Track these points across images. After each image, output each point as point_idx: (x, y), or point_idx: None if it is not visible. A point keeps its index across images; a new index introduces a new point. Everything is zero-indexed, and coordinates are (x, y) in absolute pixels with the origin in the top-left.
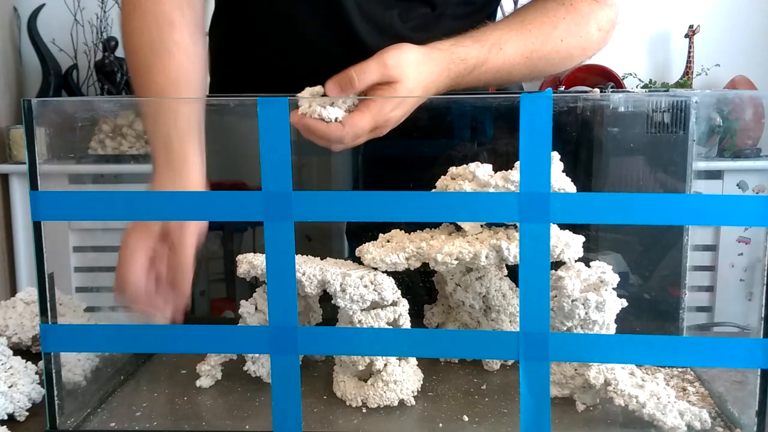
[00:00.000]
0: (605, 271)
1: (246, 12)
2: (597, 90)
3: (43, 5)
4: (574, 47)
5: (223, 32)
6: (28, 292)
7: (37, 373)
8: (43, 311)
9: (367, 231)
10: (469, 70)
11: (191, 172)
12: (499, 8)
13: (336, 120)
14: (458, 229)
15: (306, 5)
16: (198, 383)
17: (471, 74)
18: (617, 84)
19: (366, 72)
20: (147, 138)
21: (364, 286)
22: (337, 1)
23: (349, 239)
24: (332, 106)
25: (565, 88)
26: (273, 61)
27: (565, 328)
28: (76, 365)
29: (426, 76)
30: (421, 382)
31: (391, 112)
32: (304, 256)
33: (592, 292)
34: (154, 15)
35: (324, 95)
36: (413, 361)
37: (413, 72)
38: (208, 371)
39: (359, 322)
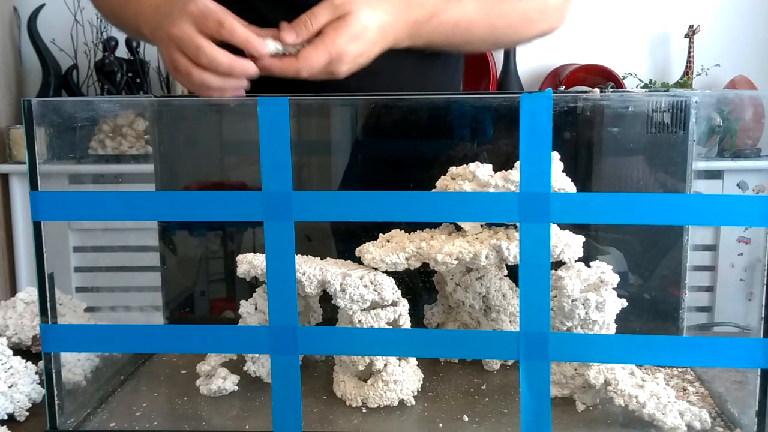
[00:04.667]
0: (605, 271)
1: None
2: (597, 90)
3: (43, 5)
4: (532, 9)
5: None
6: (28, 292)
7: (37, 373)
8: (43, 311)
9: (358, 231)
10: (427, 18)
11: None
12: None
13: (276, 50)
14: (458, 229)
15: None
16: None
17: (429, 23)
18: (617, 84)
19: (316, 14)
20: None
21: (364, 286)
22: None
23: (335, 239)
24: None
25: (565, 88)
26: None
27: (565, 328)
28: (76, 365)
29: (381, 15)
30: (421, 382)
31: (346, 44)
32: (304, 256)
33: (592, 292)
34: None
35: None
36: (413, 361)
37: (366, 7)
38: (208, 371)
39: (359, 322)
